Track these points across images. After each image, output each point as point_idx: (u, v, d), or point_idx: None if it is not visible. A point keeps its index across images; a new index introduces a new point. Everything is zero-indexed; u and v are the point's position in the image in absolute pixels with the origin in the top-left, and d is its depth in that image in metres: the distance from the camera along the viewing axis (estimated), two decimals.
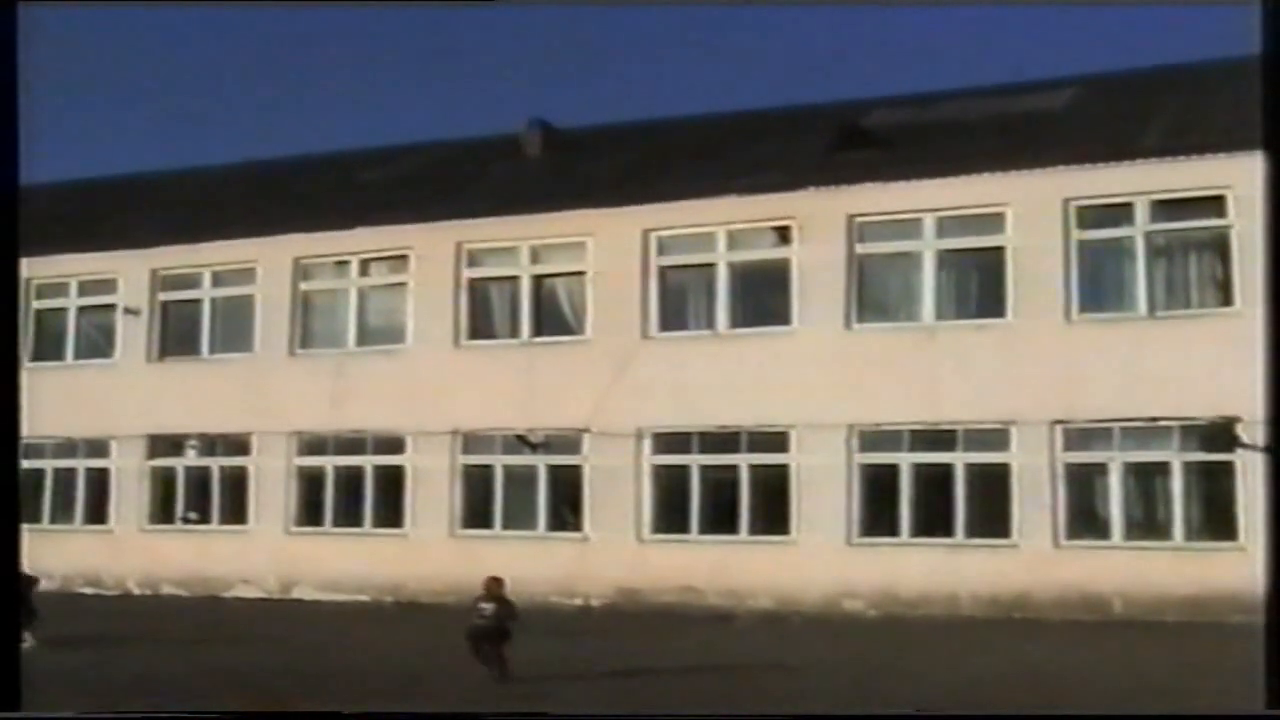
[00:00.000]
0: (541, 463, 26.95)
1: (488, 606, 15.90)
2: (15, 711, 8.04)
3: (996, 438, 23.85)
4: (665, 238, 26.63)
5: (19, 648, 8.41)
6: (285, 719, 14.96)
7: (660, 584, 25.28)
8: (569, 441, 26.77)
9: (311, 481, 28.84)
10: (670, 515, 25.95)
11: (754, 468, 25.48)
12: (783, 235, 25.91)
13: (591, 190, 27.93)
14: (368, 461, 28.33)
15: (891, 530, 24.38)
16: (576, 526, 26.59)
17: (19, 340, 9.03)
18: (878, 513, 24.52)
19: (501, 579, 16.41)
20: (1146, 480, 23.19)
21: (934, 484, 24.25)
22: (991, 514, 23.63)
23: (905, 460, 24.49)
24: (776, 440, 25.32)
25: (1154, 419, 22.80)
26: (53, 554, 29.69)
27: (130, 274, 30.71)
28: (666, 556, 25.59)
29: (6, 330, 8.55)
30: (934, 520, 24.09)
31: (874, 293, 25.38)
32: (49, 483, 30.99)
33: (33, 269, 31.02)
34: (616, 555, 25.88)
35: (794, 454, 25.13)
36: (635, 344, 26.33)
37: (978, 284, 24.82)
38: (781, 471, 25.23)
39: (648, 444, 26.11)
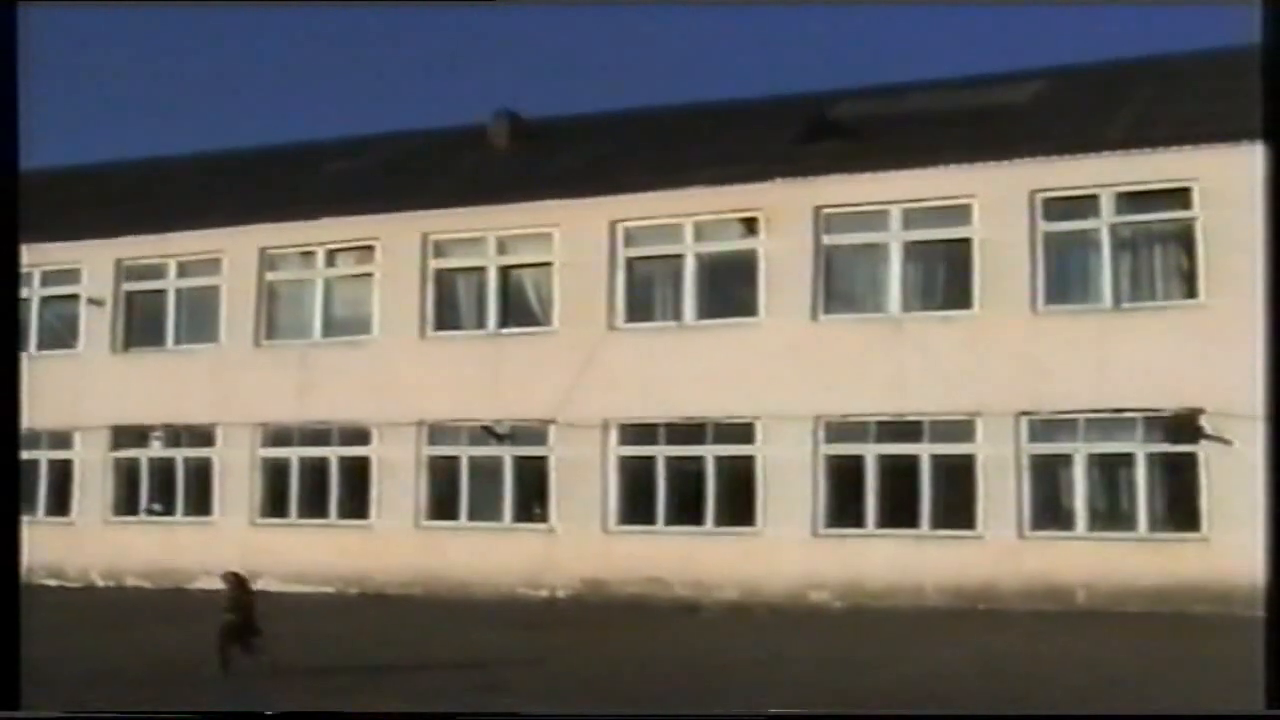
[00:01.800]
0: (507, 454, 26.90)
1: (232, 602, 15.85)
2: (15, 711, 8.20)
3: (962, 429, 23.86)
4: (632, 229, 26.56)
5: (19, 647, 8.33)
6: (285, 719, 14.96)
7: (626, 575, 25.26)
8: (535, 433, 26.71)
9: (276, 473, 28.75)
10: (636, 507, 25.90)
11: (720, 459, 25.46)
12: (750, 227, 25.86)
13: (558, 181, 27.90)
14: (333, 453, 28.24)
15: (857, 522, 24.39)
16: (542, 518, 26.53)
17: (19, 348, 9.06)
18: (844, 504, 24.52)
19: (240, 573, 16.34)
20: (1111, 471, 23.23)
21: (900, 475, 24.25)
22: (957, 505, 23.65)
23: (871, 451, 24.48)
24: (742, 432, 25.29)
25: (1119, 410, 22.84)
26: None
27: (94, 264, 30.54)
28: (632, 548, 25.55)
29: (7, 339, 8.72)
30: (900, 512, 24.10)
31: (841, 284, 25.33)
32: None
33: None
34: (582, 547, 25.83)
35: (760, 445, 25.10)
36: (602, 335, 26.28)
37: (944, 276, 24.82)
38: (747, 463, 25.19)
39: (614, 435, 26.05)
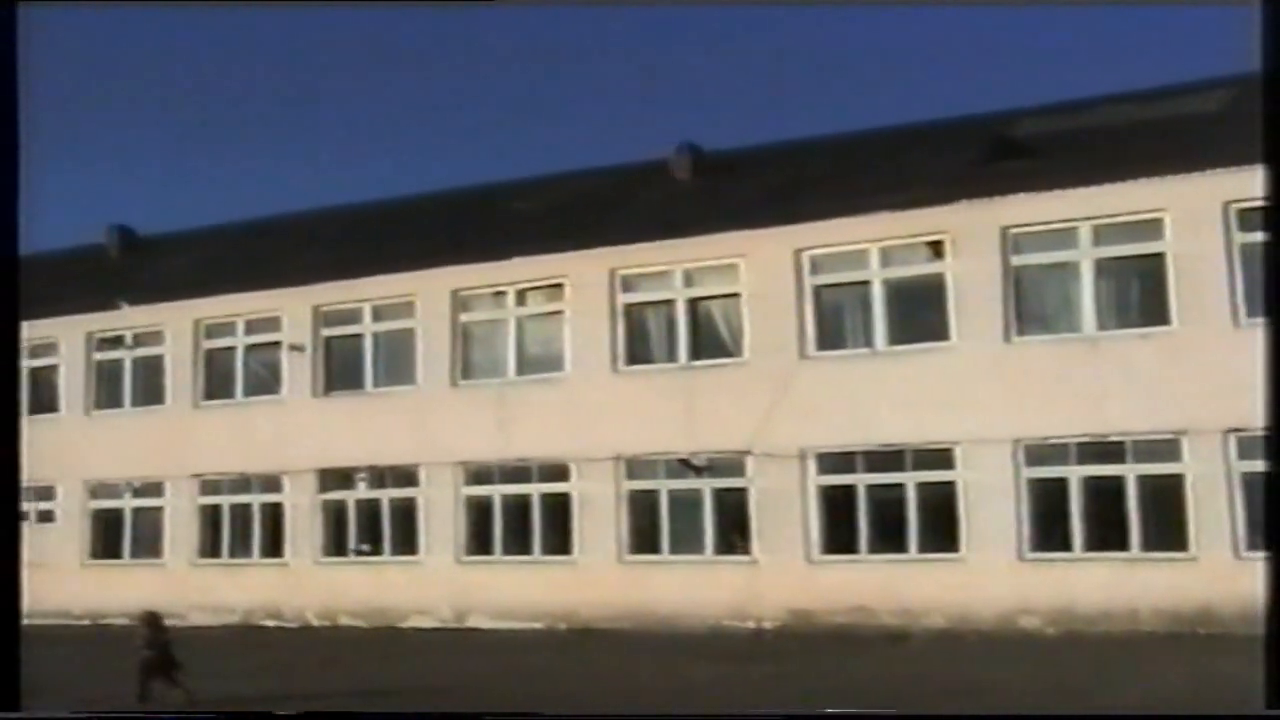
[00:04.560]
0: (706, 486, 27.11)
1: (149, 639, 16.95)
2: (15, 711, 8.53)
3: (1168, 448, 23.55)
4: (818, 257, 26.63)
5: (19, 647, 8.72)
6: (285, 718, 15.48)
7: (832, 605, 25.32)
8: (732, 464, 26.89)
9: (480, 510, 29.28)
10: (838, 535, 25.97)
11: (920, 485, 25.44)
12: (936, 250, 25.77)
13: (742, 212, 28.02)
14: (534, 489, 28.71)
15: (1064, 545, 24.16)
16: (744, 549, 26.68)
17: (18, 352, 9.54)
18: (1049, 527, 24.32)
19: (155, 611, 17.45)
20: None
21: (1105, 497, 24.02)
22: (1167, 526, 23.35)
23: (1074, 473, 24.28)
24: (942, 457, 25.22)
25: None
26: (233, 587, 30.69)
27: (293, 311, 31.40)
28: (836, 577, 25.63)
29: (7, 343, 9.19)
30: (1108, 534, 23.85)
31: (1032, 305, 25.18)
32: (226, 518, 31.98)
33: (202, 310, 32.05)
34: (786, 577, 25.94)
35: (960, 470, 25.02)
36: (794, 364, 26.40)
37: (1139, 292, 24.52)
38: (948, 488, 25.13)
39: (812, 464, 26.15)
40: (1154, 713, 13.58)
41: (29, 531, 33.62)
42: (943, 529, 25.11)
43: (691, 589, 26.55)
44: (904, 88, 69.59)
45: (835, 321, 26.70)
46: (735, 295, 27.37)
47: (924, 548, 25.29)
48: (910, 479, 25.51)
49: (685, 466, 27.28)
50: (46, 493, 33.68)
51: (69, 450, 32.89)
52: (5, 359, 9.09)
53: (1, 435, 8.90)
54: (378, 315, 30.82)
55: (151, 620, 17.23)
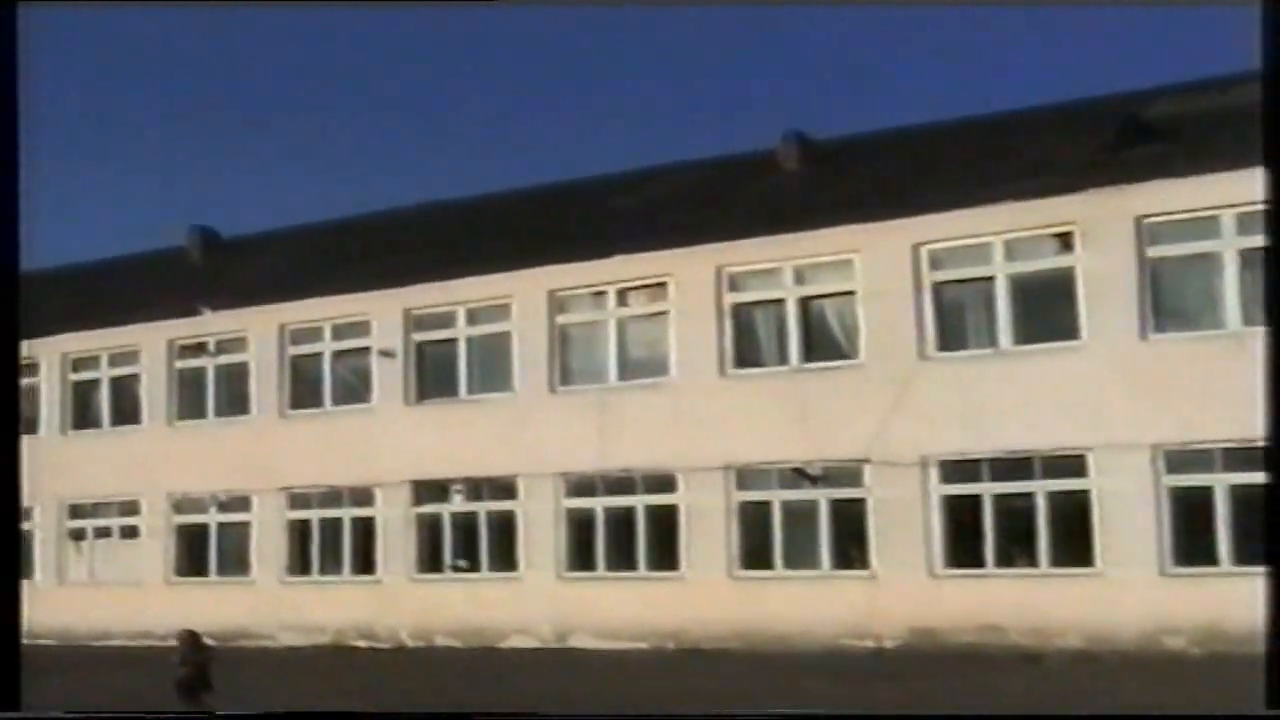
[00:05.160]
0: (822, 497, 25.87)
1: (184, 657, 16.59)
2: (15, 711, 8.37)
3: None
4: (937, 251, 25.38)
5: (19, 647, 8.60)
6: (285, 719, 15.55)
7: (957, 623, 24.02)
8: (849, 473, 25.65)
9: (581, 524, 28.17)
10: (963, 548, 24.66)
11: (1051, 494, 24.04)
12: (1065, 242, 24.44)
13: (855, 204, 26.81)
14: (639, 501, 27.53)
15: (1210, 559, 22.66)
16: (863, 563, 25.46)
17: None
18: (1193, 540, 22.82)
19: (195, 631, 17.05)
20: None
21: (1256, 506, 22.38)
22: None
23: (1220, 481, 22.72)
24: (1074, 464, 23.82)
25: None
26: (322, 606, 29.76)
27: (383, 315, 30.39)
28: (962, 592, 24.34)
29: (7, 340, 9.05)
30: (1259, 546, 22.23)
31: (1171, 299, 23.73)
32: (315, 533, 31.03)
33: (287, 314, 31.15)
34: (908, 593, 24.67)
35: (1094, 478, 23.61)
36: (913, 366, 25.15)
37: None
38: (1082, 498, 23.73)
39: (934, 472, 24.84)
40: (1154, 713, 12.19)
41: (115, 548, 33.18)
42: (1076, 541, 23.70)
43: (807, 606, 25.39)
44: (1030, 68, 68.17)
45: (957, 320, 25.41)
46: (850, 293, 26.16)
47: (1056, 562, 23.94)
48: (1040, 488, 24.14)
49: (799, 476, 26.14)
50: (130, 507, 32.97)
51: (152, 463, 32.26)
52: (6, 373, 9.01)
53: (2, 446, 8.86)
54: (472, 318, 29.76)
55: (190, 639, 16.81)
